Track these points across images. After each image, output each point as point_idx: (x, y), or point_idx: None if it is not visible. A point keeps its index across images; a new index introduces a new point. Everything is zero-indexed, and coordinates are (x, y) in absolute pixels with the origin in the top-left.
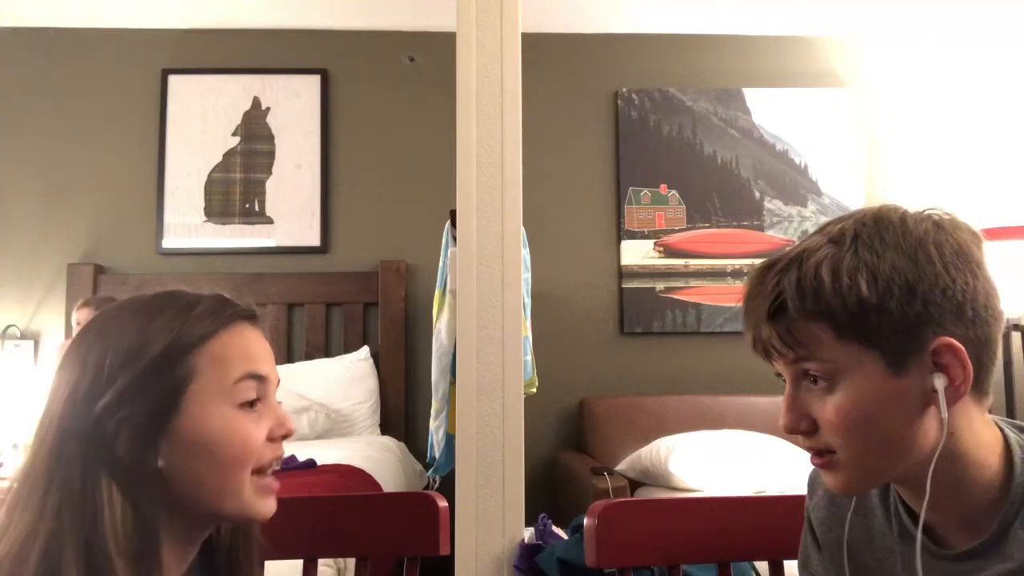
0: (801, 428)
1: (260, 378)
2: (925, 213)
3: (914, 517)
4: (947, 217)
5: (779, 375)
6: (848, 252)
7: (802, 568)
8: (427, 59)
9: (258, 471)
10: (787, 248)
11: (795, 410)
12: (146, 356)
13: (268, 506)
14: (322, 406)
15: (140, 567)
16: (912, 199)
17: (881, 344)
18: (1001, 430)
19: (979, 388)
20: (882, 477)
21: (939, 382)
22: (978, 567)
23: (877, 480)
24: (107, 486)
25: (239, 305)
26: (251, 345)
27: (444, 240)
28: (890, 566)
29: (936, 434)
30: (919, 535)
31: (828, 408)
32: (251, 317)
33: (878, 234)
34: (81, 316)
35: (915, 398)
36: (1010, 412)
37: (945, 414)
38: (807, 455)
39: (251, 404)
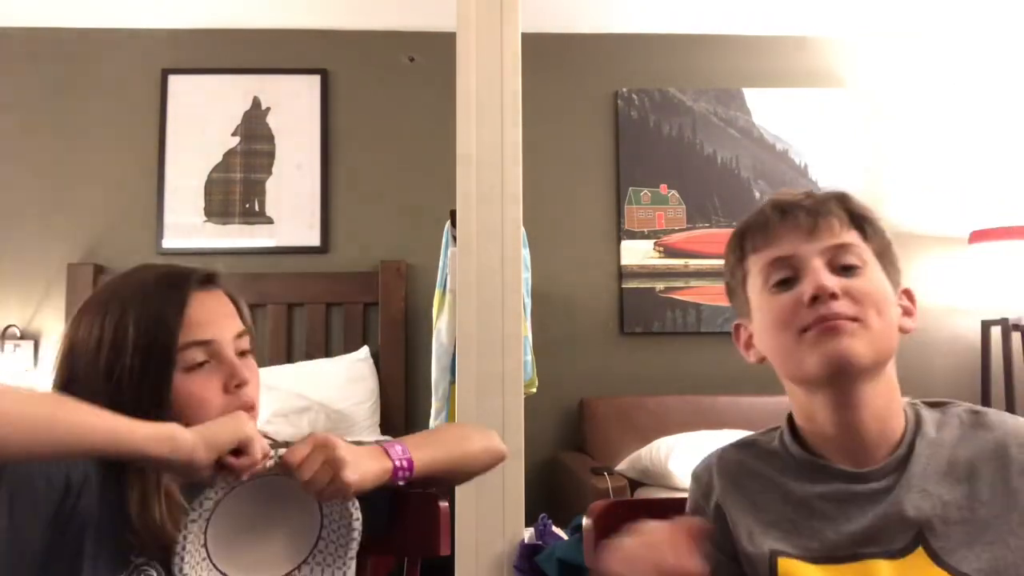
0: (835, 289)
1: (204, 343)
2: None
3: (807, 450)
4: None
5: (784, 281)
6: None
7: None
8: (427, 59)
9: None
10: None
11: (829, 278)
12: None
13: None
14: (322, 406)
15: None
16: (912, 198)
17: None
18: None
19: None
20: (877, 363)
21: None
22: (876, 489)
23: (876, 359)
24: None
25: (189, 278)
26: (194, 313)
27: (444, 240)
28: (781, 505)
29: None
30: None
31: (860, 281)
32: (204, 281)
33: None
34: None
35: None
36: (1010, 411)
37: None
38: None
39: (200, 365)
